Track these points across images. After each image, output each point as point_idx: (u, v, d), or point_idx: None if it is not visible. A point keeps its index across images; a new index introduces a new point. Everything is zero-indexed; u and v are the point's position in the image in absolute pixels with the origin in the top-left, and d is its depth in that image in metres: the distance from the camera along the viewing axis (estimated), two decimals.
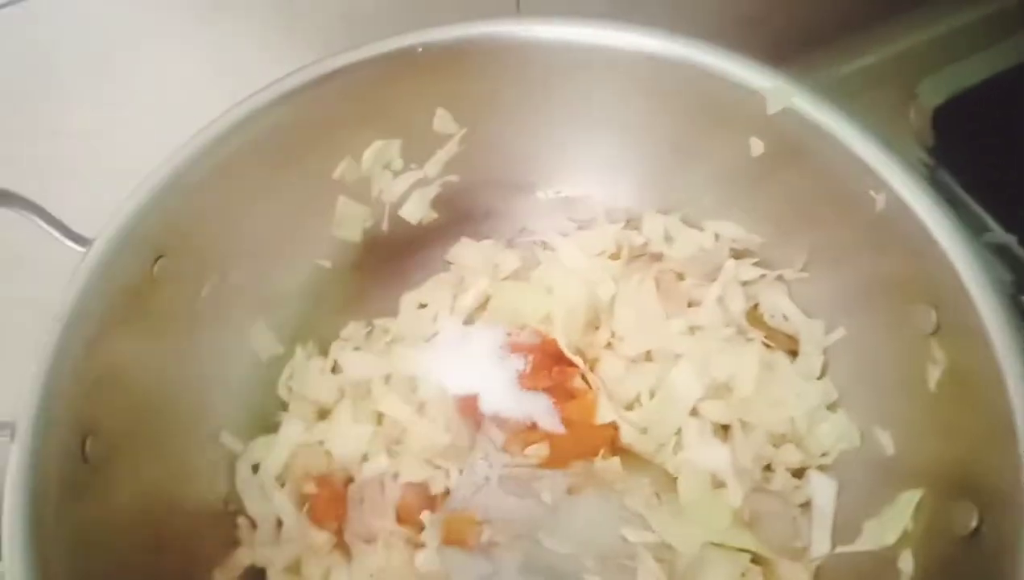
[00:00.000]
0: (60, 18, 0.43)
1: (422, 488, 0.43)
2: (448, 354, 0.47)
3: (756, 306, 0.48)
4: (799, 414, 0.44)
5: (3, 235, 0.41)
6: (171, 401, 0.43)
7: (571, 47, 0.44)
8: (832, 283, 0.45)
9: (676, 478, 0.43)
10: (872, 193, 0.39)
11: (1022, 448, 0.32)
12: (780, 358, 0.46)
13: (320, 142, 0.46)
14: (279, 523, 0.44)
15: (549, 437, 0.44)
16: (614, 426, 0.44)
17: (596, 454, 0.43)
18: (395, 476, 0.44)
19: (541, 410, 0.45)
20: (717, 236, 0.49)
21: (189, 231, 0.42)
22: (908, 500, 0.38)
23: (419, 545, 0.42)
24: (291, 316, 0.49)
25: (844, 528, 0.41)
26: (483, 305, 0.50)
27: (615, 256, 0.49)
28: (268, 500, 0.44)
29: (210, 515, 0.44)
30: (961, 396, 0.37)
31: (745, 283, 0.48)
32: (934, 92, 0.61)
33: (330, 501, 0.43)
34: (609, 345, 0.47)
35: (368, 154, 0.48)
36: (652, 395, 0.45)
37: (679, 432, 0.44)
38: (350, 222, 0.50)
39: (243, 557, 0.42)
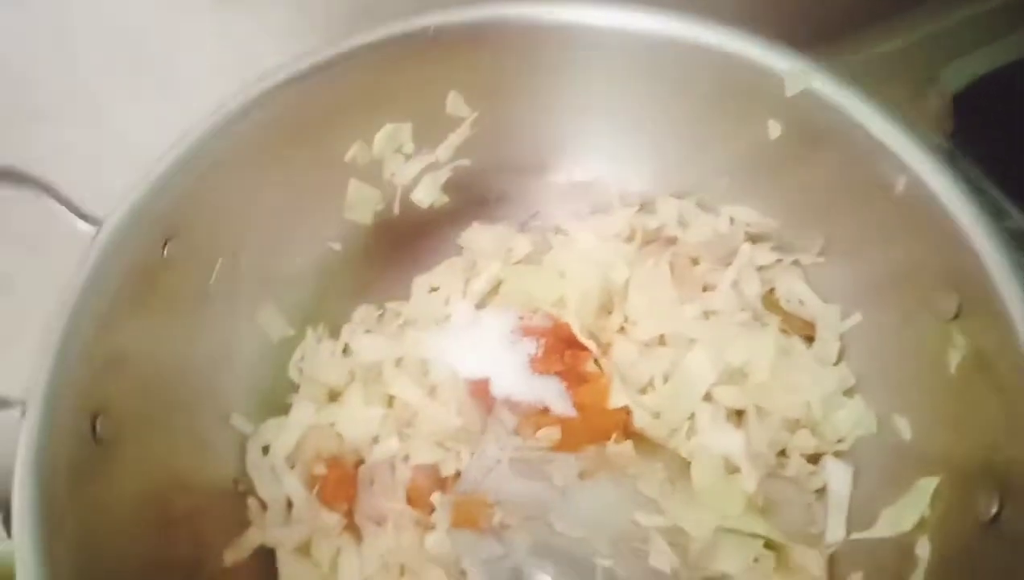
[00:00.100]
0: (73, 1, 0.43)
1: (433, 470, 0.43)
2: (460, 337, 0.47)
3: (772, 291, 0.47)
4: (815, 400, 0.43)
5: (14, 215, 0.41)
6: (181, 382, 0.43)
7: (586, 29, 0.43)
8: (850, 268, 0.44)
9: (689, 463, 0.42)
10: (892, 176, 0.38)
11: None
12: (796, 343, 0.45)
13: (331, 125, 0.46)
14: (289, 504, 0.44)
15: (561, 421, 0.43)
16: (627, 410, 0.43)
17: (608, 438, 0.43)
18: (406, 458, 0.43)
19: (553, 394, 0.44)
20: (732, 220, 0.48)
21: (200, 212, 0.42)
22: (926, 486, 0.38)
23: (429, 527, 0.42)
24: (302, 298, 0.49)
25: (860, 514, 0.41)
26: (495, 289, 0.50)
27: (629, 240, 0.49)
28: (278, 481, 0.44)
29: (220, 496, 0.44)
30: (982, 382, 0.36)
31: (761, 268, 0.47)
32: (955, 78, 0.60)
33: (340, 482, 0.43)
34: (622, 329, 0.47)
35: (380, 137, 0.47)
36: (666, 380, 0.45)
37: (692, 417, 0.43)
38: (361, 205, 0.49)
39: (253, 537, 0.42)
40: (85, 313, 0.37)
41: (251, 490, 0.44)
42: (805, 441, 0.43)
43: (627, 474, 0.41)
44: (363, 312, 0.50)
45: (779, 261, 0.47)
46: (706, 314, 0.46)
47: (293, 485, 0.43)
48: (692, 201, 0.49)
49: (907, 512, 0.38)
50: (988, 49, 0.61)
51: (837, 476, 0.42)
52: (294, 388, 0.48)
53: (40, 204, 0.38)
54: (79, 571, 0.33)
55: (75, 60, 0.45)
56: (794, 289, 0.46)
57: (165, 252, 0.41)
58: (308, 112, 0.44)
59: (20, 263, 0.47)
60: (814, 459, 0.43)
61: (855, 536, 0.40)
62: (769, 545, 0.40)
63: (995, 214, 0.52)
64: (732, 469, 0.42)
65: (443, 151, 0.49)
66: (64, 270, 0.37)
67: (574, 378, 0.45)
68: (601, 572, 0.38)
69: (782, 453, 0.43)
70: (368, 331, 0.49)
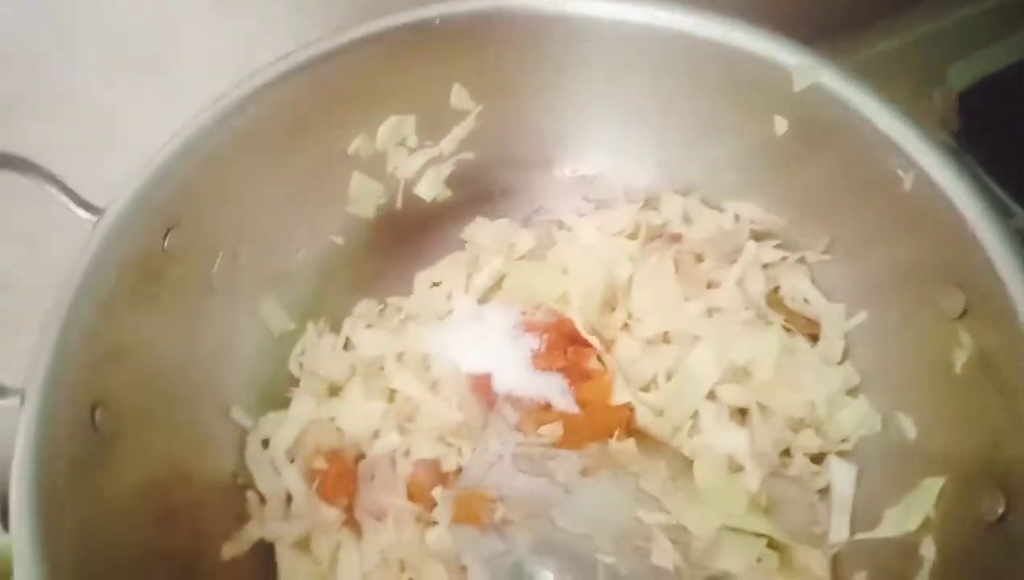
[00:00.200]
0: None
1: (434, 465, 0.42)
2: (462, 332, 0.46)
3: (777, 289, 0.47)
4: (819, 399, 0.43)
5: (15, 204, 0.41)
6: (181, 374, 0.42)
7: (591, 21, 0.43)
8: (855, 266, 0.44)
9: (692, 462, 0.42)
10: (900, 173, 0.38)
11: None
12: (800, 342, 0.45)
13: (334, 116, 0.45)
14: (288, 498, 0.44)
15: (563, 417, 0.43)
16: (629, 408, 0.43)
17: (611, 435, 0.42)
18: (406, 453, 0.43)
19: (555, 390, 0.44)
20: (737, 217, 0.48)
21: (201, 203, 0.42)
22: (931, 486, 0.37)
23: (430, 522, 0.41)
24: (303, 292, 0.49)
25: (864, 514, 0.40)
26: (498, 284, 0.50)
27: (633, 236, 0.48)
28: (278, 475, 0.44)
29: (219, 489, 0.43)
30: (988, 381, 0.36)
31: (766, 265, 0.47)
32: (961, 77, 0.60)
33: (340, 477, 0.42)
34: (626, 326, 0.46)
35: (383, 130, 0.47)
36: (669, 377, 0.44)
37: (696, 415, 0.43)
38: (364, 198, 0.49)
39: (252, 531, 0.42)
40: (86, 302, 0.36)
41: (250, 484, 0.44)
42: (809, 440, 0.42)
43: (629, 472, 0.41)
44: (364, 306, 0.50)
45: (784, 259, 0.46)
46: (710, 311, 0.46)
47: (293, 479, 0.43)
48: (696, 197, 0.49)
49: (912, 512, 0.38)
50: (993, 49, 0.61)
51: (841, 476, 0.41)
52: (294, 382, 0.47)
53: (41, 194, 0.38)
54: (78, 562, 0.33)
55: (76, 53, 0.44)
56: (799, 287, 0.46)
57: (166, 242, 0.40)
58: (311, 103, 0.43)
59: (20, 252, 0.47)
60: (818, 459, 0.43)
61: (859, 536, 0.40)
62: (772, 545, 0.40)
63: (1000, 213, 0.53)
64: (735, 468, 0.41)
65: (447, 145, 0.49)
66: (64, 259, 0.37)
67: (577, 374, 0.44)
68: (603, 569, 0.38)
69: (786, 452, 0.43)
70: (369, 326, 0.49)
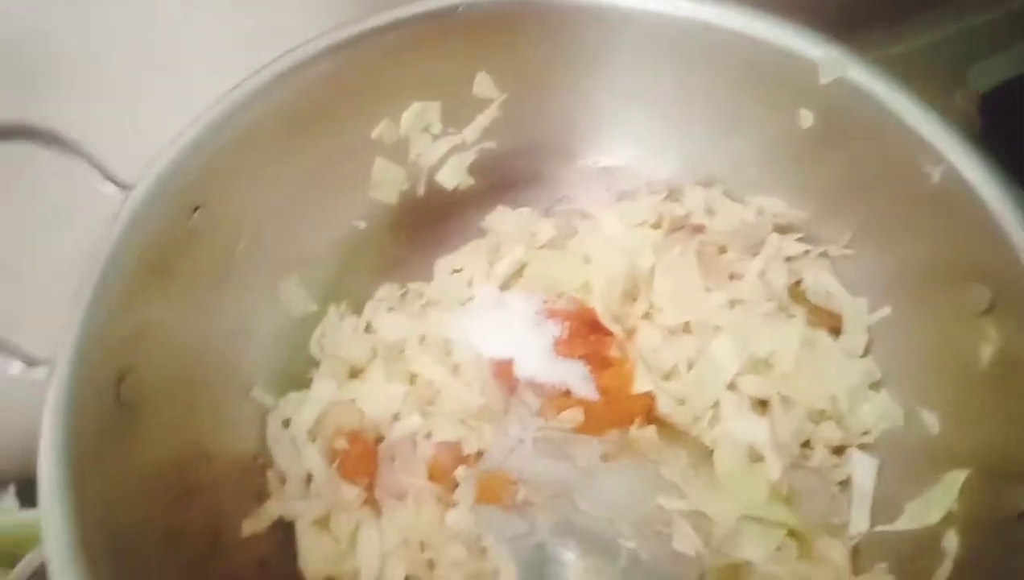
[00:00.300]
0: None
1: (455, 447, 0.42)
2: (484, 318, 0.46)
3: (799, 282, 0.47)
4: (840, 392, 0.43)
5: (42, 177, 0.41)
6: (203, 352, 0.42)
7: (616, 10, 0.43)
8: (879, 260, 0.44)
9: (712, 451, 0.42)
10: (927, 167, 0.38)
11: None
12: (822, 336, 0.45)
13: (359, 101, 0.45)
14: (309, 477, 0.44)
15: (584, 404, 0.43)
16: (650, 396, 0.43)
17: (631, 423, 0.42)
18: (428, 435, 0.43)
19: (577, 377, 0.44)
20: (760, 210, 0.48)
21: (227, 183, 0.42)
22: (953, 480, 0.37)
23: (450, 503, 0.41)
24: (325, 275, 0.49)
25: (885, 507, 0.40)
26: (519, 272, 0.49)
27: (655, 226, 0.48)
28: (298, 454, 0.44)
29: (240, 467, 0.43)
30: (1014, 377, 0.36)
31: (788, 259, 0.47)
32: (983, 78, 0.60)
33: (361, 457, 0.42)
34: (647, 315, 0.46)
35: (407, 116, 0.47)
36: (690, 367, 0.44)
37: (716, 405, 0.43)
38: (387, 184, 0.49)
39: (272, 509, 0.42)
40: (113, 276, 0.36)
41: (270, 462, 0.44)
42: (830, 433, 0.42)
43: (650, 459, 0.41)
44: (386, 290, 0.50)
45: (807, 252, 0.46)
46: (732, 303, 0.46)
47: (313, 458, 0.43)
48: (719, 190, 0.49)
49: (934, 505, 0.38)
50: (1015, 51, 0.61)
51: (862, 468, 0.41)
52: (314, 364, 0.47)
53: (63, 169, 0.38)
54: (105, 535, 0.33)
55: (103, 32, 0.44)
56: (821, 281, 0.46)
57: (192, 221, 0.40)
58: (336, 88, 0.43)
59: (47, 224, 0.47)
60: (839, 451, 0.43)
61: (879, 528, 0.40)
62: (792, 534, 0.40)
63: None
64: (756, 458, 0.41)
65: (470, 133, 0.49)
66: (90, 233, 0.37)
67: (598, 362, 0.44)
68: (625, 553, 0.38)
69: (806, 444, 0.43)
70: (391, 309, 0.49)
